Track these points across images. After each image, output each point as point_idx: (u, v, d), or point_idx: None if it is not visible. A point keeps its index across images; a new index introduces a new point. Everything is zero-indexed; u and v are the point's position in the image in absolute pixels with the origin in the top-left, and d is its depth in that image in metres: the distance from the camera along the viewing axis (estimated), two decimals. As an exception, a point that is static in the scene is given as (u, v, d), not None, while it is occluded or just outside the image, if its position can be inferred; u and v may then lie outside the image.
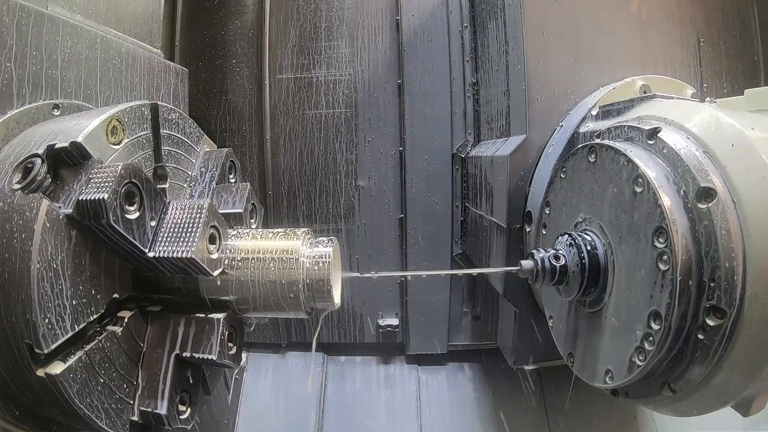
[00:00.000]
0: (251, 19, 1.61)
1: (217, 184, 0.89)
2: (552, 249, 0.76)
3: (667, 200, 0.60)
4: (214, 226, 0.71)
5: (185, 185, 0.87)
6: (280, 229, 0.79)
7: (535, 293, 1.02)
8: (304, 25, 1.58)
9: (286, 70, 1.58)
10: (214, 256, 0.71)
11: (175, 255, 0.65)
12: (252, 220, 0.89)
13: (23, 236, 0.56)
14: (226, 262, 0.74)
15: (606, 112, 0.91)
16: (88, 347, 0.60)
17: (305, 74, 1.58)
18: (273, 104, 1.58)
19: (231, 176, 0.96)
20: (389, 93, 1.56)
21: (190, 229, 0.67)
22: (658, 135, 0.65)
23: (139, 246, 0.64)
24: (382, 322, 1.60)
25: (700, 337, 0.56)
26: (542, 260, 0.75)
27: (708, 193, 0.57)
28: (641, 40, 1.04)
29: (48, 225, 0.56)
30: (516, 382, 1.53)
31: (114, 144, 0.70)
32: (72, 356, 0.58)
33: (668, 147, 0.63)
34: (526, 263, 0.76)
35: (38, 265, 0.55)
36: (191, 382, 0.73)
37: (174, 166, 0.84)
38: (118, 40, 1.01)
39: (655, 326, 0.60)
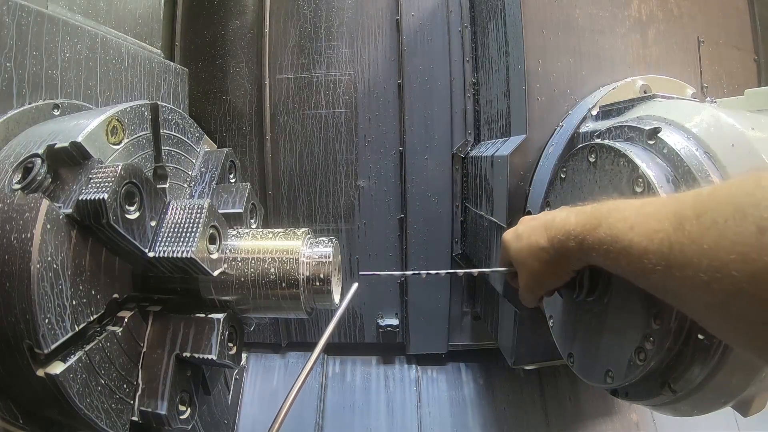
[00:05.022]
0: (251, 19, 1.61)
1: (217, 184, 0.89)
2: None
3: (667, 200, 0.60)
4: (214, 226, 0.72)
5: (185, 185, 0.87)
6: (280, 229, 0.79)
7: (535, 293, 1.01)
8: (304, 25, 1.58)
9: (286, 70, 1.58)
10: (214, 256, 0.71)
11: (175, 255, 0.65)
12: (252, 220, 0.90)
13: (23, 236, 0.56)
14: (226, 262, 0.74)
15: (606, 112, 0.91)
16: (88, 347, 0.60)
17: (305, 74, 1.58)
18: (273, 104, 1.58)
19: (231, 176, 0.96)
20: (389, 93, 1.56)
21: (190, 229, 0.67)
22: (659, 135, 0.65)
23: (139, 246, 0.64)
24: (382, 322, 1.60)
25: (700, 337, 0.56)
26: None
27: (708, 193, 0.57)
28: (641, 40, 1.04)
29: (48, 225, 0.56)
30: (516, 382, 1.53)
31: (114, 144, 0.70)
32: (72, 356, 0.58)
33: (668, 147, 0.63)
34: (526, 263, 0.75)
35: (38, 265, 0.55)
36: (191, 382, 0.73)
37: (174, 166, 0.84)
38: (118, 40, 1.01)
39: (655, 326, 0.60)
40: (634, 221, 0.49)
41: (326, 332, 0.70)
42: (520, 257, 0.71)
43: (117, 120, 0.70)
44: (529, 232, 0.68)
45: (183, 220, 0.68)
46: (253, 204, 0.89)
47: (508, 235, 0.74)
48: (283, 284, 0.73)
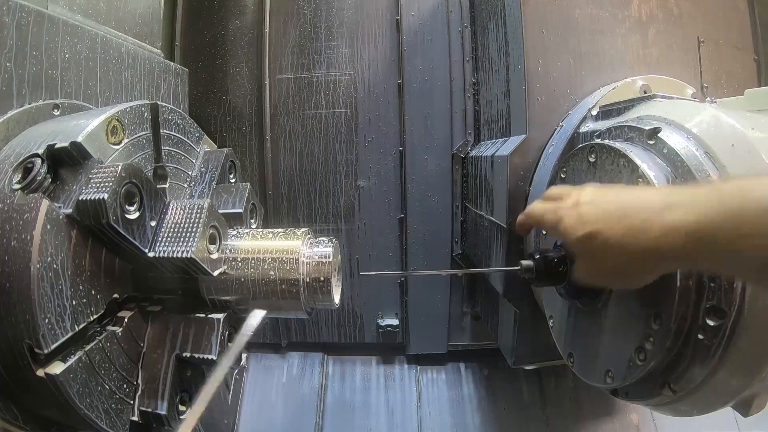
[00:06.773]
0: (251, 19, 1.61)
1: (217, 184, 0.89)
2: (552, 249, 0.76)
3: (667, 200, 0.60)
4: (214, 226, 0.72)
5: (185, 185, 0.87)
6: (280, 229, 0.79)
7: (536, 293, 1.02)
8: (304, 26, 1.58)
9: (286, 70, 1.58)
10: (214, 256, 0.71)
11: (175, 255, 0.65)
12: (252, 220, 0.90)
13: (23, 236, 0.56)
14: (226, 262, 0.74)
15: (606, 112, 0.91)
16: (88, 347, 0.61)
17: (305, 74, 1.58)
18: (273, 104, 1.58)
19: (231, 176, 0.96)
20: (389, 93, 1.56)
21: (190, 229, 0.67)
22: (659, 135, 0.65)
23: (139, 246, 0.64)
24: (382, 322, 1.60)
25: (701, 337, 0.56)
26: (542, 260, 0.75)
27: (708, 194, 0.57)
28: (641, 40, 1.04)
29: (48, 225, 0.56)
30: (516, 382, 1.53)
31: (114, 144, 0.70)
32: (72, 356, 0.58)
33: (668, 147, 0.63)
34: (526, 263, 0.75)
35: (38, 266, 0.55)
36: (191, 382, 0.73)
37: (174, 166, 0.84)
38: (118, 40, 1.01)
39: (655, 326, 0.60)
40: None
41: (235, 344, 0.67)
42: (591, 253, 0.56)
43: (117, 120, 0.70)
44: (611, 225, 0.53)
45: (183, 220, 0.68)
46: (253, 204, 0.89)
47: (569, 220, 0.57)
48: (283, 284, 0.73)
